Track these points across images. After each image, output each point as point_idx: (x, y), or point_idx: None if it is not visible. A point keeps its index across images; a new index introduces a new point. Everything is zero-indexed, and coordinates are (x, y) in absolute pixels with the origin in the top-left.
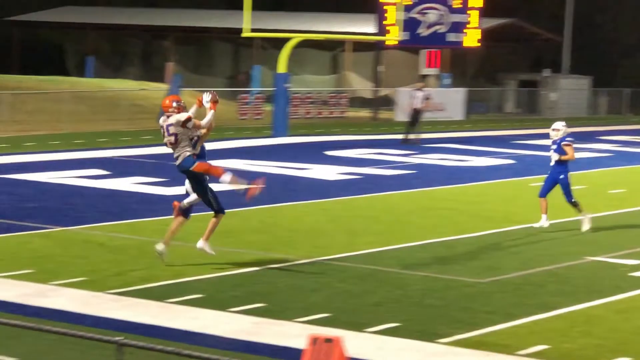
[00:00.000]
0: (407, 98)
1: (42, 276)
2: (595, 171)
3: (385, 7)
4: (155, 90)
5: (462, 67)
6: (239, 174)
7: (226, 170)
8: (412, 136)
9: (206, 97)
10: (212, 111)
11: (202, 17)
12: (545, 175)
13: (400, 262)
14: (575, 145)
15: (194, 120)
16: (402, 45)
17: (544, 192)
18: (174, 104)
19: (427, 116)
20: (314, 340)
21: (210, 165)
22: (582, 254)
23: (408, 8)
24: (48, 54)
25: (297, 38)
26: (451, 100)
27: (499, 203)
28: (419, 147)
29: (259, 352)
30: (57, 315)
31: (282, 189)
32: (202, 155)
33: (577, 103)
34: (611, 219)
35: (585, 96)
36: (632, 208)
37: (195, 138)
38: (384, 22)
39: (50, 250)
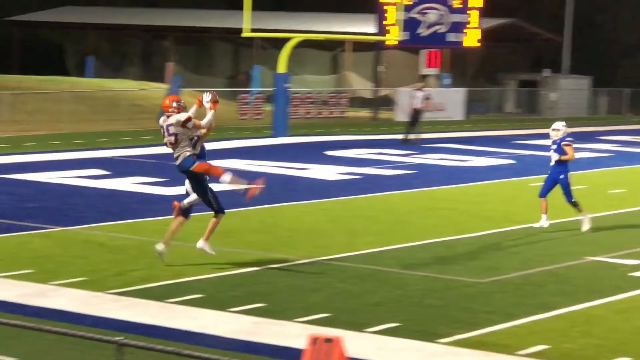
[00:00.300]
0: (407, 98)
1: (42, 276)
2: (595, 171)
3: (385, 7)
4: (155, 90)
5: (462, 67)
6: (239, 174)
7: (226, 170)
8: (412, 136)
9: (206, 97)
10: (212, 111)
11: (202, 17)
12: (545, 175)
13: (400, 262)
14: (575, 145)
15: (194, 120)
16: (402, 45)
17: (544, 192)
18: (174, 104)
19: (427, 116)
20: (314, 340)
21: (210, 165)
22: (582, 254)
23: (408, 8)
24: (48, 54)
25: (297, 38)
26: (451, 100)
27: (499, 203)
28: (419, 147)
29: (259, 352)
30: (57, 315)
31: (282, 189)
32: (202, 155)
33: (577, 103)
34: (611, 219)
35: (585, 96)
36: (632, 208)
37: (195, 138)
38: (384, 22)
39: (50, 250)
